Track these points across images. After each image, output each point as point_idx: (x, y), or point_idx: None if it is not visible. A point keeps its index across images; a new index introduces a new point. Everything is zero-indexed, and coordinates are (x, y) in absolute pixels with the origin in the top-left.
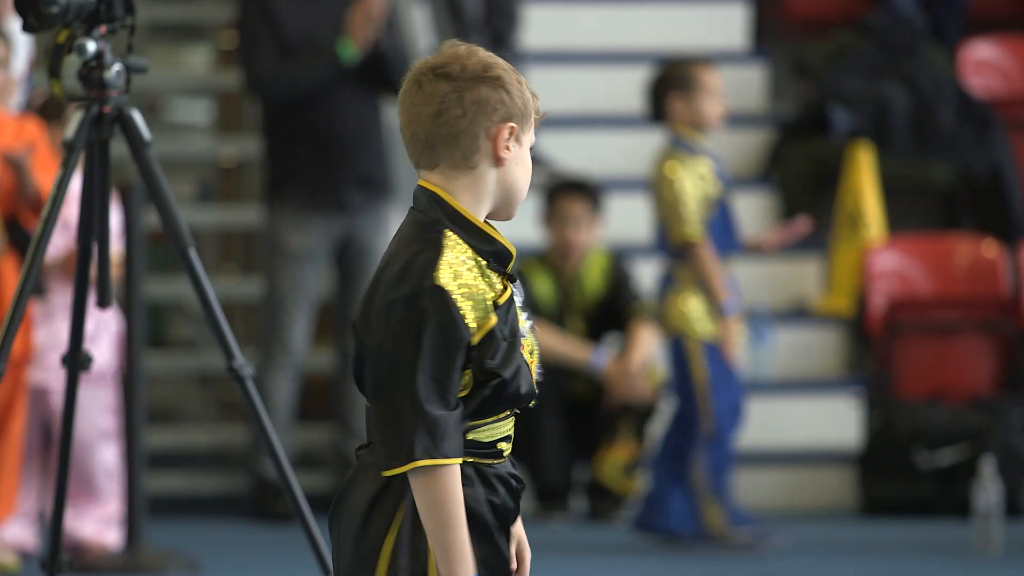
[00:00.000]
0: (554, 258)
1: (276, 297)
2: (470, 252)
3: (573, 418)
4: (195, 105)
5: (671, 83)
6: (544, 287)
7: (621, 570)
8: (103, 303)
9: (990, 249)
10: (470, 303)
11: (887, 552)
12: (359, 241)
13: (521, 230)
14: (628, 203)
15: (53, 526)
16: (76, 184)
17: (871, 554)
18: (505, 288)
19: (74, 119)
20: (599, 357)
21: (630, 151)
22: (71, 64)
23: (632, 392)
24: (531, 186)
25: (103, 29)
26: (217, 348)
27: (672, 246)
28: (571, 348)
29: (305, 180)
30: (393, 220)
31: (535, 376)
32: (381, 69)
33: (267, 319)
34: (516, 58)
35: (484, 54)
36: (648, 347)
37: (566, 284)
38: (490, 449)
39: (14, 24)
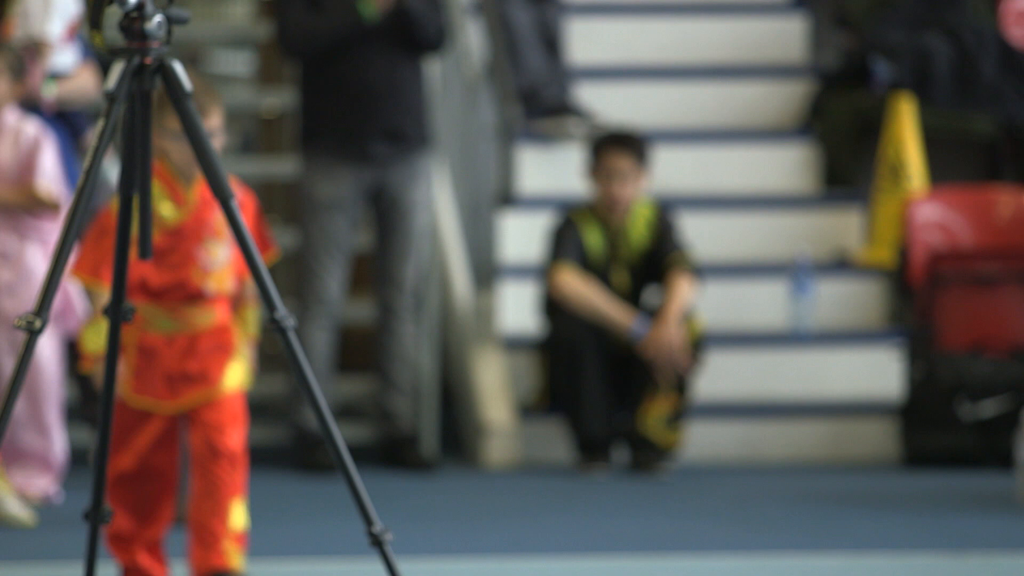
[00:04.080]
0: (601, 211)
1: (309, 247)
2: None
3: (614, 369)
4: (236, 56)
5: None
6: (593, 238)
7: (663, 522)
8: (144, 254)
9: None
10: None
11: (929, 503)
12: (390, 193)
13: (567, 182)
14: (673, 155)
15: (96, 475)
16: None
17: (913, 505)
18: None
19: (115, 70)
20: (641, 326)
21: (674, 102)
22: (112, 15)
23: (671, 363)
24: (576, 138)
25: None
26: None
27: None
28: (615, 312)
29: (333, 131)
30: (430, 173)
31: None
32: (408, 26)
33: (302, 270)
34: (558, 6)
35: None
36: (685, 300)
37: (612, 236)
38: None
39: None
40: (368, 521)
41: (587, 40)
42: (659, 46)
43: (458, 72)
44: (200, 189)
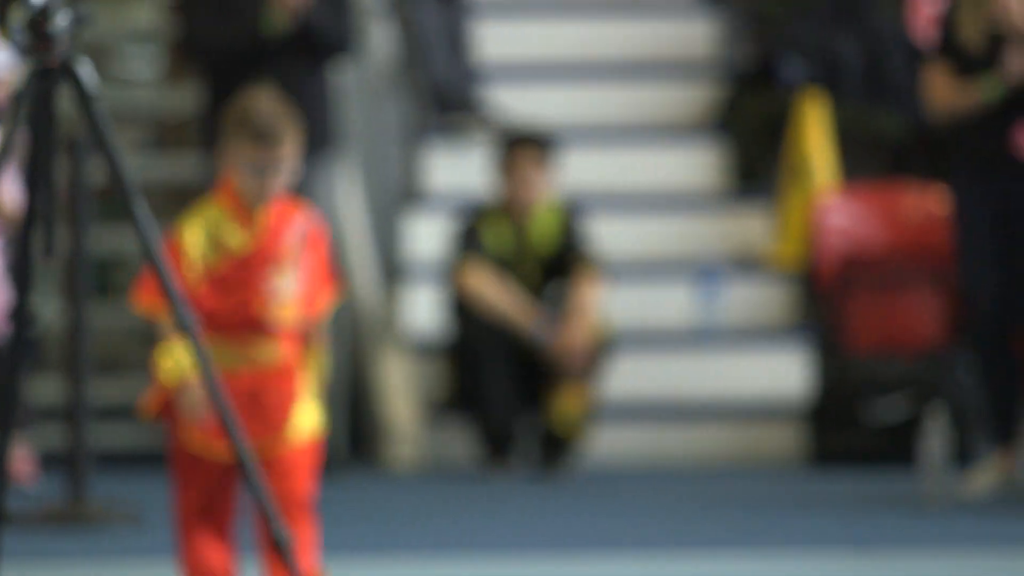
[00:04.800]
0: (507, 209)
1: None
2: None
3: (522, 367)
4: (142, 56)
5: None
6: (499, 237)
7: (570, 523)
8: (48, 253)
9: (940, 200)
10: None
11: (837, 504)
12: (295, 191)
13: (474, 181)
14: (583, 154)
15: None
16: None
17: (819, 506)
18: None
19: (21, 71)
20: (542, 330)
21: (585, 102)
22: (17, 15)
23: (572, 367)
24: (482, 137)
25: None
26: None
27: None
28: (518, 314)
29: None
30: (340, 172)
31: None
32: (310, 38)
33: None
34: (464, 6)
35: None
36: (590, 303)
37: (519, 234)
38: None
39: None
40: (272, 523)
41: (498, 39)
42: (570, 45)
43: (365, 72)
44: (268, 216)
